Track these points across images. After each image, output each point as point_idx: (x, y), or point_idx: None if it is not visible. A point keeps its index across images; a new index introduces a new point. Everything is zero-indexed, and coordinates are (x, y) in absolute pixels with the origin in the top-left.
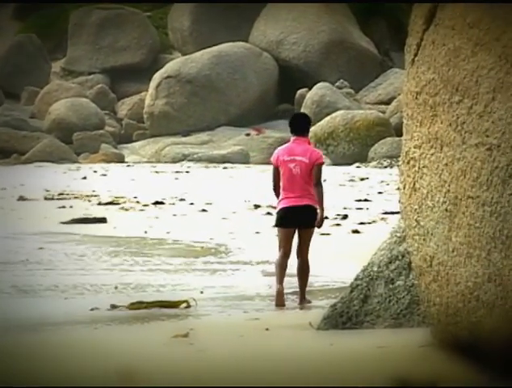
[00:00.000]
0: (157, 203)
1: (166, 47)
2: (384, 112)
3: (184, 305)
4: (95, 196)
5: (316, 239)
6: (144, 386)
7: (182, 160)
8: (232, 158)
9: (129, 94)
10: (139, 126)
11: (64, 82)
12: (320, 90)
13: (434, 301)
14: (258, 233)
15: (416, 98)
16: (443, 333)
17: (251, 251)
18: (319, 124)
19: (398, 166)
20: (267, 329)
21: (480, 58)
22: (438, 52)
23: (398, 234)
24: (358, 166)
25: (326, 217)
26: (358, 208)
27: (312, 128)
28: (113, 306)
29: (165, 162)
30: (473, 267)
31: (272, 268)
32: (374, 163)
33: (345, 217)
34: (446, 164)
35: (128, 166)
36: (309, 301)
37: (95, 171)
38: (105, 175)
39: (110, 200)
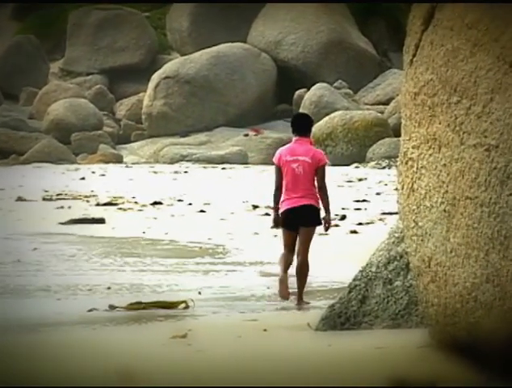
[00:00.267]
0: (155, 203)
1: (165, 47)
2: (382, 113)
3: (182, 305)
4: (94, 196)
5: (315, 240)
6: (142, 387)
7: (181, 160)
8: (230, 159)
9: (128, 94)
10: (137, 127)
11: (62, 82)
12: (318, 90)
13: (433, 301)
14: (256, 233)
15: (414, 98)
16: (441, 334)
17: (249, 252)
18: (317, 124)
19: (396, 166)
20: (265, 330)
21: (479, 59)
22: (436, 53)
23: (396, 235)
24: (356, 167)
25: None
26: (356, 209)
27: None
28: (111, 307)
29: (164, 163)
30: (471, 268)
31: (270, 269)
32: (372, 164)
33: (343, 217)
34: (445, 165)
35: (127, 166)
36: (307, 303)
37: (94, 172)
38: (103, 175)
39: (108, 200)
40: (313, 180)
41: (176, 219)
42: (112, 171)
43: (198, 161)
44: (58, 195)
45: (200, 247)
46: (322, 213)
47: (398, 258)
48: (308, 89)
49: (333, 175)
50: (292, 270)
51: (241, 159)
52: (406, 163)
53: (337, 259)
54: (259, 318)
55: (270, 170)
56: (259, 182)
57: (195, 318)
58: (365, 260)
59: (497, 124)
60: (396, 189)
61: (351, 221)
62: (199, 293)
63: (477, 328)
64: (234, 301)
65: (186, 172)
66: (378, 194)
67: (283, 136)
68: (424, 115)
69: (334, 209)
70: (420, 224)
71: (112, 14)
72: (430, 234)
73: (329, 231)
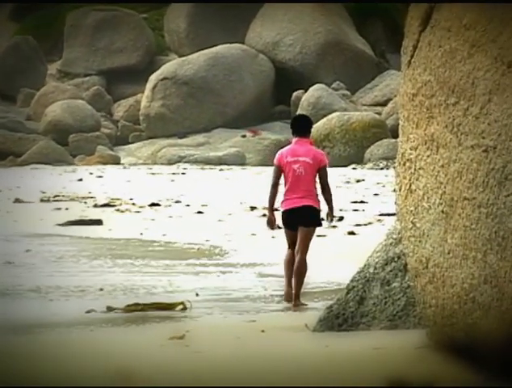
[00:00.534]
0: (153, 205)
1: (162, 49)
2: (380, 114)
3: (180, 307)
4: (91, 197)
5: (313, 241)
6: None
7: (179, 162)
8: (228, 160)
9: (125, 95)
10: (135, 128)
11: (60, 83)
12: (316, 91)
13: (430, 302)
14: (253, 235)
15: (412, 99)
16: (439, 335)
17: (247, 253)
18: (315, 125)
19: (394, 167)
20: (263, 331)
21: (477, 60)
22: (434, 54)
23: (394, 236)
24: (354, 168)
25: (323, 219)
26: (354, 210)
27: None
28: (109, 308)
29: (162, 164)
30: (469, 269)
31: (267, 270)
32: (370, 165)
33: (341, 218)
34: (443, 166)
35: (124, 167)
36: (304, 305)
37: (91, 173)
38: (101, 176)
39: (106, 201)
40: (314, 181)
41: (174, 220)
42: (110, 173)
43: (196, 162)
44: (56, 196)
45: (198, 248)
46: (322, 214)
47: (396, 259)
48: (306, 90)
49: (331, 176)
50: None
51: (239, 160)
52: (404, 164)
53: (334, 260)
54: (257, 319)
55: (268, 172)
56: (257, 183)
57: (192, 320)
58: (363, 261)
59: (494, 125)
60: (394, 190)
61: (349, 222)
62: (197, 294)
63: (475, 329)
64: (232, 303)
65: (183, 173)
66: (376, 195)
67: (280, 137)
68: (422, 117)
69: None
70: (418, 225)
71: (110, 15)
72: (427, 235)
73: (327, 232)
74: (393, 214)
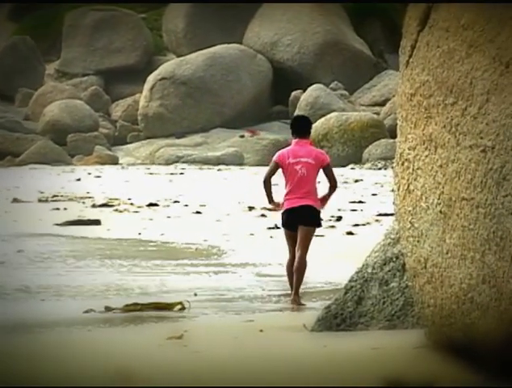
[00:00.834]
0: (151, 205)
1: (161, 49)
2: (378, 114)
3: (178, 307)
4: (89, 197)
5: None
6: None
7: (177, 162)
8: (226, 160)
9: (123, 95)
10: (133, 128)
11: (58, 83)
12: (314, 91)
13: (429, 302)
14: (252, 234)
15: (410, 99)
16: (438, 334)
17: (245, 253)
18: (313, 125)
19: (392, 167)
20: (261, 330)
21: (475, 60)
22: (432, 54)
23: (392, 236)
24: (352, 168)
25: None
26: (352, 210)
27: None
28: (107, 308)
29: (160, 164)
30: (467, 269)
31: (265, 270)
32: (368, 165)
33: (339, 218)
34: (441, 166)
35: (122, 167)
36: (303, 304)
37: (89, 173)
38: (99, 176)
39: (104, 201)
40: (315, 181)
41: (172, 220)
42: (108, 173)
43: (194, 162)
44: (54, 196)
45: (196, 248)
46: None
47: (394, 259)
48: (304, 90)
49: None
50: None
51: (237, 160)
52: (402, 164)
53: (333, 260)
54: (255, 318)
55: (265, 171)
56: (255, 183)
57: (191, 320)
58: (361, 261)
59: (493, 125)
60: (392, 190)
61: (347, 222)
62: (195, 294)
63: (473, 329)
64: (230, 302)
65: (182, 173)
66: (374, 195)
67: (279, 137)
68: (420, 117)
69: (330, 211)
70: (416, 225)
71: (108, 15)
72: (426, 235)
73: (325, 232)
74: (391, 214)
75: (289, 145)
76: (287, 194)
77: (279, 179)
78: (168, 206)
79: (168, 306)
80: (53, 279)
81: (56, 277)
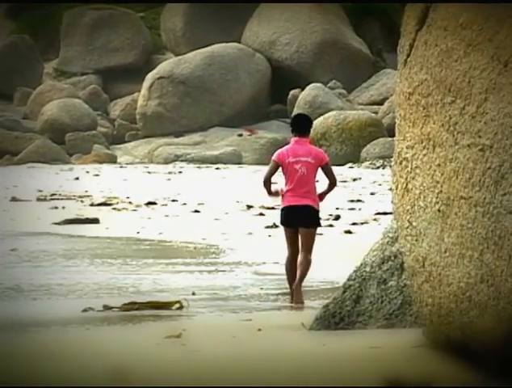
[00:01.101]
0: (149, 203)
1: (159, 47)
2: (376, 113)
3: (176, 305)
4: (88, 196)
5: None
6: (137, 386)
7: (175, 161)
8: (224, 159)
9: (122, 94)
10: (131, 127)
11: (56, 82)
12: (312, 90)
13: (427, 301)
14: (250, 233)
15: (408, 98)
16: (436, 333)
17: (243, 252)
18: None
19: (391, 166)
20: (260, 329)
21: (473, 59)
22: (430, 53)
23: (390, 235)
24: (350, 167)
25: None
26: (350, 209)
27: None
28: (105, 307)
29: (158, 163)
30: (466, 268)
31: (264, 269)
32: (366, 164)
33: (337, 217)
34: (439, 165)
35: (121, 166)
36: (302, 303)
37: (88, 172)
38: (97, 175)
39: (102, 200)
40: (315, 180)
41: (170, 219)
42: (106, 171)
43: (192, 161)
44: (52, 195)
45: (194, 247)
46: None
47: (392, 258)
48: (303, 89)
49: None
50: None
51: (236, 159)
52: (400, 163)
53: (331, 258)
54: (253, 317)
55: (265, 171)
56: (253, 182)
57: (189, 318)
58: (359, 260)
59: (491, 124)
60: (391, 189)
61: (345, 221)
62: (193, 293)
63: (471, 328)
64: (228, 301)
65: (180, 172)
66: (372, 194)
67: (277, 136)
68: (418, 116)
69: (328, 209)
70: (414, 224)
71: (106, 14)
72: (424, 234)
73: (324, 231)
74: (390, 213)
75: (288, 143)
76: (286, 192)
77: (278, 177)
78: (166, 205)
79: (166, 305)
80: (46, 278)
81: (49, 276)
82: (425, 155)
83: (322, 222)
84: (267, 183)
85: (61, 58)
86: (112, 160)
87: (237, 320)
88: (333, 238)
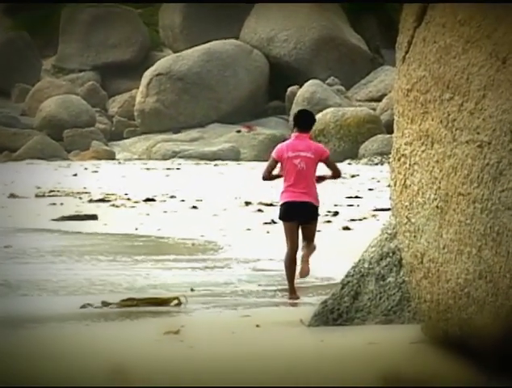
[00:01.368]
0: (147, 200)
1: (157, 44)
2: (374, 109)
3: (175, 302)
4: (86, 193)
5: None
6: (135, 383)
7: (173, 157)
8: (222, 155)
9: (120, 91)
10: (130, 123)
11: (55, 79)
12: (310, 87)
13: (425, 297)
14: (248, 230)
15: (407, 95)
16: (434, 329)
17: (241, 248)
18: None
19: (389, 163)
20: (258, 326)
21: (471, 55)
22: (429, 50)
23: (389, 231)
24: (348, 163)
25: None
26: (348, 205)
27: None
28: (104, 303)
29: (156, 159)
30: (464, 264)
31: (262, 265)
32: (365, 160)
33: (336, 213)
34: (437, 161)
35: (119, 163)
36: (298, 298)
37: (86, 168)
38: (96, 172)
39: (101, 197)
40: (314, 175)
41: (168, 215)
42: (105, 168)
43: (190, 157)
44: (51, 191)
45: (193, 243)
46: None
47: (391, 254)
48: (301, 86)
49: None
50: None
51: (234, 156)
52: (399, 160)
53: (329, 255)
54: (252, 314)
55: (263, 167)
56: (251, 178)
57: (187, 315)
58: (358, 256)
59: (489, 120)
60: (389, 185)
61: (344, 217)
62: (192, 289)
63: (470, 324)
64: (227, 298)
65: (178, 169)
66: (370, 190)
67: (275, 132)
68: (416, 112)
69: (327, 206)
70: (412, 220)
71: (104, 11)
72: (422, 231)
73: (322, 227)
74: (388, 209)
75: (285, 140)
76: (286, 188)
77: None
78: (165, 201)
79: (164, 301)
80: (44, 274)
81: (47, 272)
82: (423, 152)
83: (320, 219)
84: (267, 178)
85: (59, 55)
86: (110, 156)
87: (235, 316)
88: (332, 234)
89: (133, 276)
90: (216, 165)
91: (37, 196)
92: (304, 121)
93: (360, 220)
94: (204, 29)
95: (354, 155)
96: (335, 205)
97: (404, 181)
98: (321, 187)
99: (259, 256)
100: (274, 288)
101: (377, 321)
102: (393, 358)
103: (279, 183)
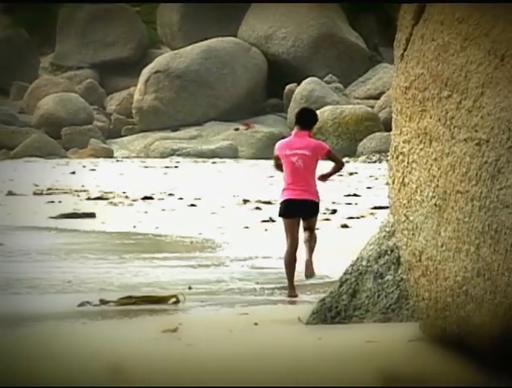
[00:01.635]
0: (145, 198)
1: (155, 42)
2: (372, 107)
3: (173, 300)
4: (84, 190)
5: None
6: (134, 382)
7: (171, 155)
8: (221, 153)
9: (118, 89)
10: (128, 121)
11: (53, 76)
12: (309, 84)
13: (423, 295)
14: (246, 228)
15: (405, 93)
16: (432, 327)
17: (240, 246)
18: None
19: (387, 160)
20: (256, 324)
21: (470, 53)
22: (427, 47)
23: (387, 229)
24: (347, 161)
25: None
26: (347, 203)
27: None
28: (102, 301)
29: (154, 157)
30: (462, 262)
31: (260, 263)
32: (363, 158)
33: (334, 211)
34: (436, 159)
35: (117, 161)
36: (296, 296)
37: (84, 166)
38: (94, 169)
39: (99, 195)
40: (314, 173)
41: (167, 213)
42: (103, 166)
43: (188, 155)
44: (48, 189)
45: (191, 241)
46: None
47: (389, 252)
48: (299, 83)
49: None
50: (280, 264)
51: (232, 153)
52: (397, 157)
53: (327, 253)
54: (250, 312)
55: (261, 165)
56: (250, 176)
57: (185, 313)
58: (356, 254)
59: (487, 118)
60: (387, 183)
61: (342, 215)
62: (190, 287)
63: (468, 322)
64: (225, 296)
65: (176, 167)
66: (369, 188)
67: (273, 130)
68: (415, 110)
69: (325, 204)
70: (411, 218)
71: (102, 8)
72: (420, 228)
73: (320, 225)
74: (386, 207)
75: (284, 137)
76: (285, 185)
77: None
78: (163, 199)
79: (162, 299)
80: (42, 272)
81: (45, 270)
82: (421, 149)
83: (319, 216)
84: (277, 167)
85: (57, 52)
86: (109, 154)
87: (233, 314)
88: (330, 232)
89: (131, 274)
90: (214, 163)
91: (35, 193)
92: (305, 119)
93: (358, 218)
94: (202, 27)
95: (352, 153)
96: (333, 203)
97: (403, 179)
98: (318, 185)
99: (257, 254)
100: (272, 286)
101: (375, 319)
102: (391, 356)
103: (277, 182)
